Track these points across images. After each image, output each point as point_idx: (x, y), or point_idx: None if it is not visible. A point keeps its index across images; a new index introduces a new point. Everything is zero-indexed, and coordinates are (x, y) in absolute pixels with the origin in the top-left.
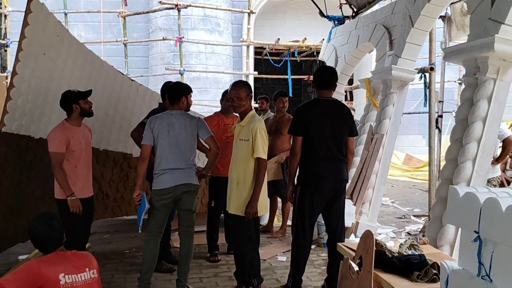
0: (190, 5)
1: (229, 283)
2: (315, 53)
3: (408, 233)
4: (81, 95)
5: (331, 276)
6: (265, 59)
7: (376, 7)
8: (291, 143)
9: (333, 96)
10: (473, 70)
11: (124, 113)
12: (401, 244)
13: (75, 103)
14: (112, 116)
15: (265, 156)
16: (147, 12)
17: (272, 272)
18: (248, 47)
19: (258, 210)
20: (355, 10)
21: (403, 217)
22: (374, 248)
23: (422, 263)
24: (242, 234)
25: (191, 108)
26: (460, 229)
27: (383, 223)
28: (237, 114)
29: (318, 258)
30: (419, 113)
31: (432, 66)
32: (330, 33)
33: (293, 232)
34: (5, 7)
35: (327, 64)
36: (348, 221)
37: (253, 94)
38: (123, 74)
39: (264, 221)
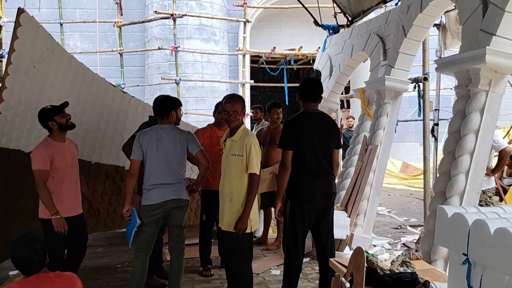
0: (186, 15)
1: None
2: (311, 61)
3: (403, 244)
4: (55, 110)
5: None
6: (261, 67)
7: (372, 15)
8: (281, 157)
9: (330, 104)
10: (465, 81)
11: (116, 125)
12: (393, 260)
13: (50, 120)
14: (104, 129)
15: (258, 172)
16: (143, 22)
17: (265, 286)
18: (244, 56)
19: (250, 226)
20: (349, 19)
21: (399, 227)
22: (365, 265)
23: (413, 281)
24: (235, 250)
25: (187, 118)
26: None
27: (378, 234)
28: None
29: (312, 272)
30: (415, 120)
31: (426, 76)
32: (325, 42)
33: (284, 248)
34: (0, 17)
35: (322, 73)
36: (343, 233)
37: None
38: (114, 86)
39: (259, 233)
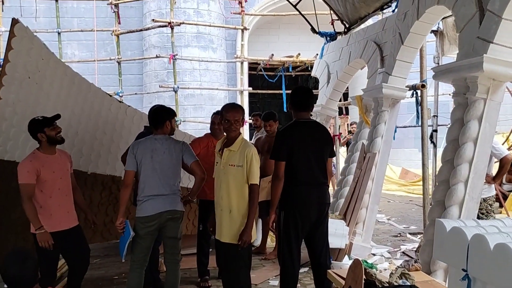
0: (183, 23)
1: None
2: (309, 68)
3: (403, 252)
4: (46, 122)
5: None
6: (260, 74)
7: (370, 21)
8: (274, 168)
9: (328, 111)
10: (462, 89)
11: (113, 135)
12: (392, 273)
13: (39, 131)
14: (100, 138)
15: (259, 182)
16: (141, 30)
17: None
18: (242, 63)
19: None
20: (347, 26)
21: (398, 235)
22: (364, 277)
23: None
24: (235, 262)
25: (185, 125)
26: None
27: (378, 242)
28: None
29: (310, 282)
30: (414, 126)
31: (424, 83)
32: (323, 49)
33: (280, 259)
34: None
35: (320, 81)
36: (342, 242)
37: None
38: (111, 95)
39: (257, 242)
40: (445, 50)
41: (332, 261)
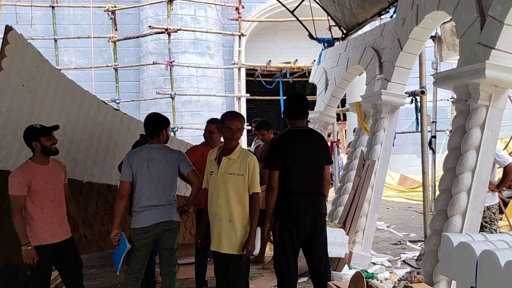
0: (180, 29)
1: None
2: (307, 74)
3: (404, 261)
4: (43, 132)
5: None
6: (257, 81)
7: (367, 27)
8: (268, 177)
9: (326, 118)
10: (464, 96)
11: (108, 143)
12: (394, 286)
13: (35, 140)
14: (96, 147)
15: (259, 191)
16: (138, 37)
17: None
18: (239, 69)
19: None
20: (344, 32)
21: (398, 243)
22: None
23: None
24: (235, 272)
25: (182, 132)
26: None
27: (378, 250)
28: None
29: None
30: (412, 132)
31: (423, 89)
32: (320, 55)
33: (276, 270)
34: None
35: (318, 87)
36: (341, 252)
37: None
38: (106, 103)
39: (256, 250)
40: (443, 56)
41: (331, 271)
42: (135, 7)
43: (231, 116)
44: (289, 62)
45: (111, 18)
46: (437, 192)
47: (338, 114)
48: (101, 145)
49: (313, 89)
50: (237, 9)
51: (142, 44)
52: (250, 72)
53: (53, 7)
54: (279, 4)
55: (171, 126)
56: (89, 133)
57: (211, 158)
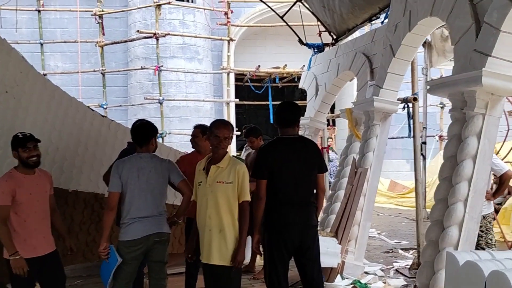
0: (169, 34)
1: None
2: (296, 79)
3: (396, 270)
4: (19, 142)
5: None
6: (246, 86)
7: (357, 34)
8: (256, 187)
9: (317, 124)
10: (459, 104)
11: (95, 151)
12: None
13: (14, 149)
14: (82, 154)
15: (249, 199)
16: (125, 41)
17: None
18: (228, 74)
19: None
20: (334, 37)
21: (390, 251)
22: None
23: None
24: (227, 284)
25: (171, 138)
26: None
27: (370, 259)
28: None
29: None
30: (402, 137)
31: (415, 96)
32: (310, 60)
33: (266, 282)
34: None
35: (308, 93)
36: (334, 262)
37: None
38: (93, 110)
39: (246, 260)
40: (433, 62)
41: (324, 282)
42: (122, 11)
43: (218, 124)
44: (278, 67)
45: (98, 22)
46: (428, 199)
47: (327, 120)
48: (87, 152)
49: (302, 94)
50: (226, 13)
51: (130, 48)
52: (239, 77)
53: (39, 11)
54: (268, 9)
55: (159, 132)
56: (75, 140)
57: (199, 168)
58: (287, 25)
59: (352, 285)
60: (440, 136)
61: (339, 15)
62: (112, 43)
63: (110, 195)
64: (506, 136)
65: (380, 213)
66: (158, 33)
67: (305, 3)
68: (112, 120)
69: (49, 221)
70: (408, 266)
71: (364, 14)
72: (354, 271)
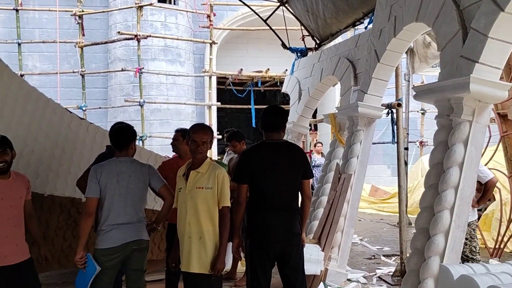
0: (150, 36)
1: None
2: (278, 83)
3: (379, 277)
4: None
5: None
6: (228, 89)
7: (339, 39)
8: (236, 191)
9: (300, 129)
10: (446, 110)
11: (73, 154)
12: None
13: None
14: (59, 158)
15: (230, 204)
16: (106, 43)
17: None
18: (210, 77)
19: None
20: (318, 42)
21: (372, 257)
22: None
23: None
24: None
25: (151, 141)
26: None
27: (352, 265)
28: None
29: None
30: (383, 143)
31: (399, 102)
32: (293, 65)
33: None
34: None
35: (291, 97)
36: (317, 269)
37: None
38: (71, 112)
39: (227, 266)
40: (415, 68)
41: None
42: (103, 12)
43: (196, 128)
44: (260, 71)
45: (78, 23)
46: (409, 204)
47: (310, 124)
48: (64, 156)
49: (284, 98)
50: (208, 16)
51: (110, 50)
52: (221, 81)
53: (17, 10)
54: (252, 12)
55: (140, 134)
56: (52, 143)
57: (179, 174)
58: (271, 29)
59: None
60: (421, 142)
61: (323, 19)
62: (92, 44)
63: (88, 200)
64: (488, 143)
65: (361, 219)
66: (139, 35)
67: (288, 7)
68: (90, 123)
69: (23, 229)
70: (391, 273)
71: (348, 19)
72: (337, 279)
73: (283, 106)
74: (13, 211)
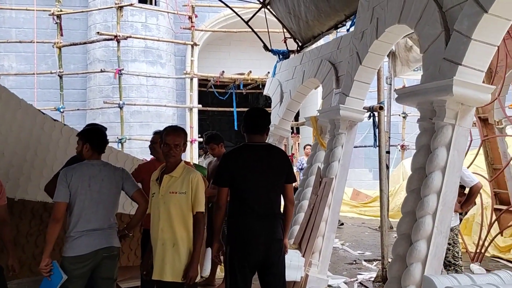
0: (130, 36)
1: None
2: (260, 86)
3: (360, 283)
4: None
5: None
6: (210, 91)
7: (322, 42)
8: (216, 195)
9: (281, 132)
10: (428, 114)
11: (45, 157)
12: None
13: None
14: (31, 161)
15: (204, 210)
16: (85, 43)
17: None
18: (191, 79)
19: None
20: (300, 44)
21: (354, 262)
22: None
23: None
24: None
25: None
26: None
27: (333, 271)
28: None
29: None
30: (365, 146)
31: (381, 105)
32: (275, 67)
33: None
34: None
35: (273, 100)
36: (297, 275)
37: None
38: (44, 113)
39: (205, 272)
40: (397, 71)
41: None
42: (82, 12)
43: (168, 131)
44: (242, 74)
45: (56, 23)
46: (391, 208)
47: (291, 128)
48: (37, 158)
49: (267, 101)
50: (190, 18)
51: (89, 50)
52: (203, 83)
53: None
54: (234, 14)
55: (119, 136)
56: (23, 145)
57: (153, 178)
58: (253, 31)
59: None
60: (402, 146)
61: (305, 21)
62: (71, 45)
63: (56, 205)
64: (469, 147)
65: (343, 223)
66: (119, 36)
67: (270, 9)
68: (65, 125)
69: None
70: (372, 279)
71: (330, 21)
72: (318, 285)
73: (266, 108)
74: None
